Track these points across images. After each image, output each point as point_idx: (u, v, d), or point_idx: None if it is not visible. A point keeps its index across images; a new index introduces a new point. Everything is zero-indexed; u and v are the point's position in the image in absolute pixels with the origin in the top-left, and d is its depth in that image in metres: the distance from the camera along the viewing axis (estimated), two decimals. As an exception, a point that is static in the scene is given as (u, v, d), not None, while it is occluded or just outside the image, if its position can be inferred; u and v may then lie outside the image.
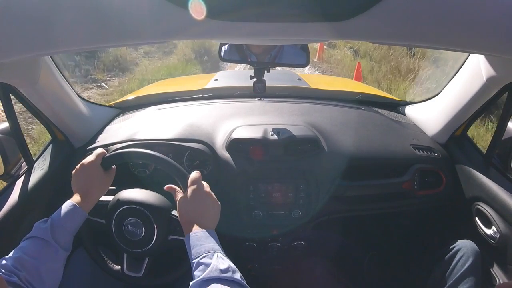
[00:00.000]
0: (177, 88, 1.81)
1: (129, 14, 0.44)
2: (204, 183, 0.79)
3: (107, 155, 0.87)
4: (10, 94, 0.93)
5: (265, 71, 1.09)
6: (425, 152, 1.16)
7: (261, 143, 1.08)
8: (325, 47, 6.58)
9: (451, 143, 1.19)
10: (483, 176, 1.04)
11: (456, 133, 1.17)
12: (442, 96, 1.20)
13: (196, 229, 0.70)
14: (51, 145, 1.16)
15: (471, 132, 2.65)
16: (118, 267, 0.89)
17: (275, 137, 1.08)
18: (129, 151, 0.86)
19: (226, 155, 1.09)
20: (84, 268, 0.98)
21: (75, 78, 4.83)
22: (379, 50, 6.30)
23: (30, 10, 0.44)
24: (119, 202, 0.85)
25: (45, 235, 0.71)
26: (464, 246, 0.96)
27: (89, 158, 0.85)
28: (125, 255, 0.88)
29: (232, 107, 1.29)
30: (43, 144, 2.74)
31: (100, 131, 1.25)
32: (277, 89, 1.48)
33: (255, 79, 1.09)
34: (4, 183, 1.02)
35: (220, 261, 0.63)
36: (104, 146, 1.13)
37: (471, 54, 1.01)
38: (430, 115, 1.24)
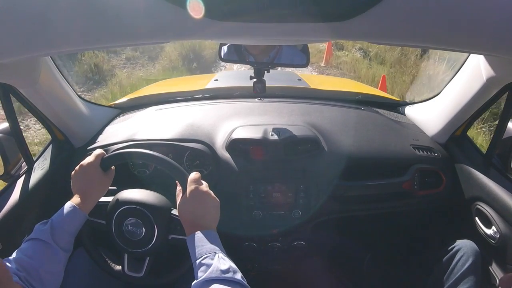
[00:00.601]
0: (177, 88, 1.81)
1: (128, 14, 0.44)
2: (203, 182, 0.79)
3: (106, 156, 0.87)
4: (10, 94, 0.93)
5: (265, 72, 1.09)
6: (425, 152, 1.16)
7: (261, 143, 1.08)
8: (333, 52, 5.84)
9: (451, 143, 1.19)
10: (483, 176, 1.04)
11: (456, 133, 1.17)
12: (442, 96, 1.20)
13: (197, 229, 0.71)
14: (51, 145, 1.16)
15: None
16: (119, 267, 0.89)
17: (275, 137, 1.08)
18: (128, 151, 0.86)
19: (226, 155, 1.09)
20: (84, 268, 0.98)
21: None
22: (392, 51, 5.50)
23: (30, 10, 0.44)
24: (119, 202, 0.85)
25: (45, 237, 0.71)
26: (464, 246, 0.96)
27: (88, 159, 0.85)
28: (126, 255, 0.88)
29: (232, 107, 1.29)
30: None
31: (100, 131, 1.25)
32: (277, 89, 1.48)
33: (255, 79, 1.09)
34: (4, 183, 1.02)
35: (221, 262, 0.64)
36: (104, 146, 1.13)
37: (471, 54, 1.01)
38: (430, 115, 1.24)
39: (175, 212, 0.84)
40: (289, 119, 1.20)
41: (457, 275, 0.92)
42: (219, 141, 1.12)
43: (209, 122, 1.18)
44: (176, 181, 0.81)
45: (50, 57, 0.99)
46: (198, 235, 0.69)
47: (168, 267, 0.88)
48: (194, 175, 0.78)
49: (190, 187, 0.76)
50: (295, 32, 0.47)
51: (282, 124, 1.14)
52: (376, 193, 1.15)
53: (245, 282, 0.63)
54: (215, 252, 0.66)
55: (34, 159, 1.08)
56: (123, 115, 1.38)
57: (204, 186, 0.78)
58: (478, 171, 1.06)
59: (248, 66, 1.17)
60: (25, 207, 0.96)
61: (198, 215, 0.74)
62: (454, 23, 0.43)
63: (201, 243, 0.68)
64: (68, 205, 0.78)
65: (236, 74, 2.40)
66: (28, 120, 3.66)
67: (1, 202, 0.93)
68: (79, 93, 1.16)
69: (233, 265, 0.65)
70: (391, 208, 1.17)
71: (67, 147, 1.16)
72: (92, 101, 1.40)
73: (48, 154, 1.13)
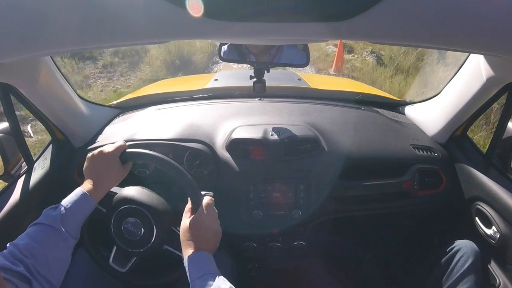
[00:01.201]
0: (177, 88, 1.81)
1: (128, 14, 0.44)
2: (215, 208, 0.80)
3: (129, 150, 0.85)
4: (10, 94, 0.93)
5: (265, 71, 1.09)
6: (425, 152, 1.16)
7: (261, 143, 1.08)
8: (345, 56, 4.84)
9: (451, 143, 1.19)
10: (483, 176, 1.04)
11: (456, 133, 1.17)
12: (442, 96, 1.20)
13: (198, 250, 0.72)
14: (51, 145, 1.16)
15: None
16: (105, 254, 0.90)
17: (275, 137, 1.08)
18: (152, 155, 0.83)
19: (226, 155, 1.09)
20: (84, 269, 0.98)
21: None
22: (406, 54, 4.58)
23: (29, 10, 0.44)
24: (127, 200, 0.85)
25: (54, 223, 0.70)
26: (464, 246, 0.96)
27: (110, 147, 0.83)
28: (115, 248, 0.89)
29: (232, 107, 1.29)
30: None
31: (100, 131, 1.25)
32: (277, 89, 1.48)
33: (255, 79, 1.09)
34: (4, 183, 1.02)
35: (221, 282, 0.65)
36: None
37: (471, 54, 1.01)
38: (430, 115, 1.24)
39: (176, 227, 0.85)
40: (289, 119, 1.20)
41: (457, 275, 0.92)
42: (219, 141, 1.12)
43: (209, 122, 1.18)
44: (176, 187, 0.82)
45: (50, 57, 0.99)
46: (204, 255, 0.70)
47: (151, 272, 0.89)
48: (209, 200, 0.79)
49: (202, 211, 0.77)
50: (294, 32, 0.47)
51: (282, 124, 1.14)
52: (376, 193, 1.15)
53: None
54: (217, 274, 0.67)
55: (34, 159, 1.08)
56: (123, 115, 1.38)
57: (215, 213, 0.79)
58: (478, 171, 1.06)
59: (248, 66, 1.17)
60: (25, 207, 0.96)
61: (203, 239, 0.74)
62: (454, 23, 0.43)
63: (202, 263, 0.70)
64: (79, 192, 0.76)
65: (236, 74, 2.40)
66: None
67: (1, 202, 0.93)
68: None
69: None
70: (391, 208, 1.17)
71: (67, 147, 1.16)
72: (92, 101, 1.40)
73: (48, 154, 1.13)
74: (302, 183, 1.07)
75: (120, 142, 0.85)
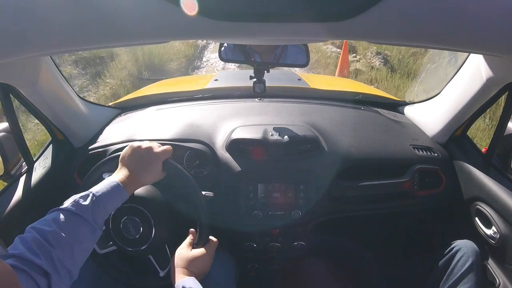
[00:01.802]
0: (177, 88, 1.81)
1: (127, 14, 0.44)
2: (214, 252, 0.86)
3: (173, 161, 0.84)
4: (10, 94, 0.93)
5: (265, 71, 1.08)
6: (425, 152, 1.16)
7: (261, 143, 1.08)
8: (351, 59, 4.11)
9: (451, 143, 1.19)
10: (483, 176, 1.04)
11: (456, 133, 1.17)
12: (442, 96, 1.20)
13: (188, 276, 0.76)
14: (51, 145, 1.16)
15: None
16: None
17: (275, 137, 1.08)
18: (189, 181, 0.84)
19: (226, 155, 1.09)
20: (84, 268, 0.98)
21: None
22: (415, 57, 3.89)
23: (29, 10, 0.44)
24: (135, 199, 0.85)
25: (85, 214, 0.66)
26: (464, 246, 0.96)
27: (159, 147, 0.82)
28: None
29: (232, 107, 1.29)
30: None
31: (100, 131, 1.25)
32: (277, 89, 1.48)
33: (255, 79, 1.09)
34: (4, 183, 1.02)
35: None
36: (104, 146, 1.13)
37: (471, 54, 1.01)
38: (430, 115, 1.24)
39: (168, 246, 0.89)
40: (289, 119, 1.20)
41: (457, 275, 0.92)
42: (219, 141, 1.12)
43: (209, 122, 1.18)
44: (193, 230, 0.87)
45: (50, 57, 0.99)
46: (190, 281, 0.74)
47: (123, 265, 0.94)
48: (216, 242, 0.86)
49: (208, 250, 0.83)
50: (294, 32, 0.47)
51: (282, 124, 1.14)
52: (376, 193, 1.15)
53: None
54: None
55: (34, 159, 1.08)
56: (123, 115, 1.38)
57: (213, 255, 0.85)
58: (478, 171, 1.06)
59: (247, 66, 1.17)
60: (25, 207, 0.96)
61: (198, 271, 0.79)
62: (454, 23, 0.43)
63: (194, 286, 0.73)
64: (113, 182, 0.72)
65: (236, 74, 2.40)
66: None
67: (1, 202, 0.93)
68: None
69: None
70: (391, 208, 1.17)
71: (67, 147, 1.16)
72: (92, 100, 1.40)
73: (48, 154, 1.13)
74: (302, 183, 1.07)
75: (169, 147, 0.84)
